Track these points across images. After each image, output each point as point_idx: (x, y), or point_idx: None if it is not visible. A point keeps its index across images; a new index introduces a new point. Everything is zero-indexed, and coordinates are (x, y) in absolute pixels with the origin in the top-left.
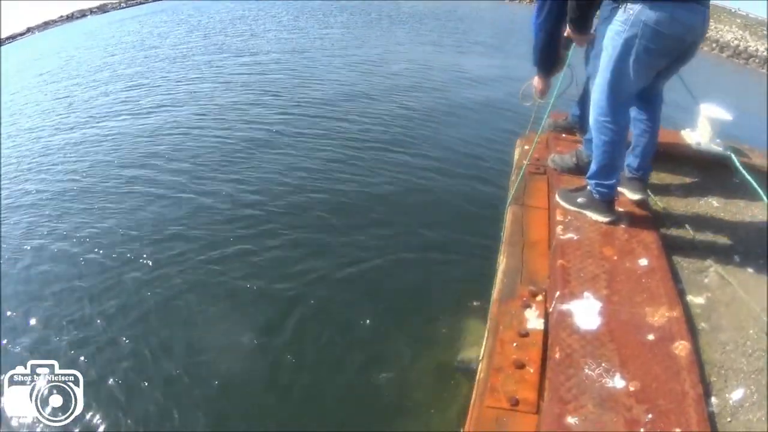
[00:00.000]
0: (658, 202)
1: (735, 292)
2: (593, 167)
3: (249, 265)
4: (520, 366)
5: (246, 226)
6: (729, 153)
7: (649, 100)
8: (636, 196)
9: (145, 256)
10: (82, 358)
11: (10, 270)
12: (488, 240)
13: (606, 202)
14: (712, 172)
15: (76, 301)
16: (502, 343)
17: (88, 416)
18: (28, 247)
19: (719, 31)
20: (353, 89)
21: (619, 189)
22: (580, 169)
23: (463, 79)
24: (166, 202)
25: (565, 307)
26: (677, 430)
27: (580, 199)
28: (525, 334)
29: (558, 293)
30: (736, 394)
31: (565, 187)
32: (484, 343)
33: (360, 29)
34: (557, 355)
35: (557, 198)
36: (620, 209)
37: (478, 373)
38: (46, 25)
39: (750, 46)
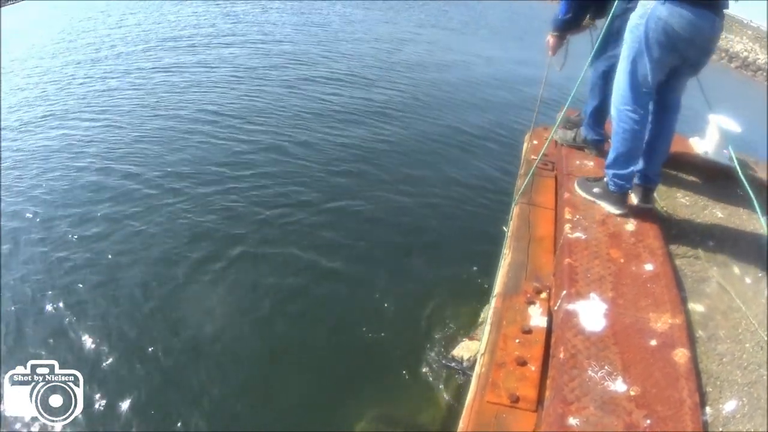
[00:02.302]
0: (664, 208)
1: (732, 301)
2: (611, 156)
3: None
4: (522, 363)
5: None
6: (734, 165)
7: (666, 106)
8: (640, 204)
9: (149, 250)
10: (82, 358)
11: (9, 266)
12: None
13: (620, 194)
14: (718, 182)
15: (76, 302)
16: (505, 339)
17: (88, 416)
18: (28, 241)
19: (729, 41)
20: (380, 63)
21: None
22: (576, 144)
23: (480, 61)
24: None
25: (571, 306)
26: None
27: (596, 189)
28: (528, 331)
29: (564, 292)
30: (729, 405)
31: (583, 177)
32: (486, 337)
33: (380, 11)
34: (561, 355)
35: (575, 186)
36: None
37: (479, 367)
38: None
39: (759, 58)
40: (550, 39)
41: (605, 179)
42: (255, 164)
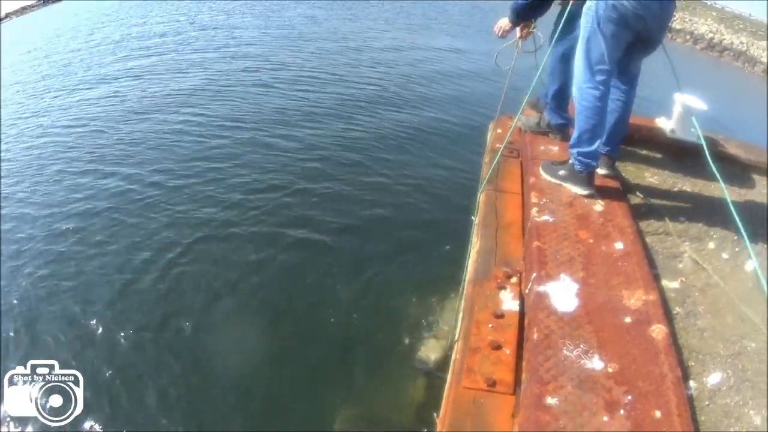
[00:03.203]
0: (634, 189)
1: (710, 277)
2: (575, 135)
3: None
4: (497, 347)
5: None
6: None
7: (623, 80)
8: (602, 171)
9: (147, 252)
10: (82, 358)
11: (10, 267)
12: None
13: (586, 174)
14: (686, 159)
15: (76, 302)
16: (478, 324)
17: (88, 416)
18: (29, 243)
19: (694, 23)
20: (347, 60)
21: None
22: (540, 129)
23: (444, 54)
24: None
25: (542, 288)
26: (657, 412)
27: (561, 172)
28: (500, 316)
29: (535, 274)
30: (714, 378)
31: (548, 160)
32: (459, 324)
33: (341, 11)
34: (535, 336)
35: (540, 170)
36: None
37: (454, 354)
38: (23, 10)
39: (725, 39)
40: (502, 22)
41: (570, 160)
42: (232, 157)
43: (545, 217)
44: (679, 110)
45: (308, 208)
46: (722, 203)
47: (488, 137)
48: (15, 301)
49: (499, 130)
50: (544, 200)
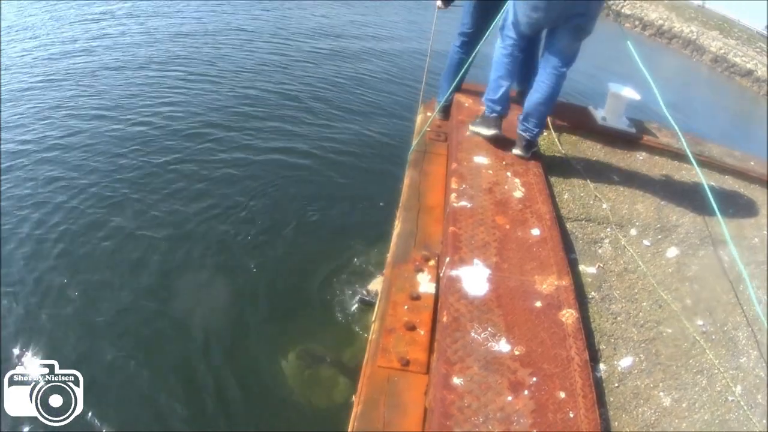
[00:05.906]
0: (559, 174)
1: (628, 263)
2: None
3: None
4: (411, 328)
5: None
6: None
7: (550, 63)
8: (517, 152)
9: (148, 243)
10: (82, 358)
11: (9, 266)
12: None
13: (493, 118)
14: (616, 147)
15: (76, 301)
16: (395, 306)
17: (88, 416)
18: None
19: (644, 9)
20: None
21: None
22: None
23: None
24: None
25: (454, 272)
26: (561, 393)
27: (477, 120)
28: (416, 297)
29: (448, 259)
30: (625, 362)
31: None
32: (377, 306)
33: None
34: (445, 319)
35: (470, 127)
36: (518, 179)
37: (370, 334)
38: None
39: (675, 26)
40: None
41: (483, 108)
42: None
43: (463, 203)
44: (611, 99)
45: (246, 177)
46: (648, 191)
47: (417, 119)
48: (16, 300)
49: (428, 114)
50: (464, 186)
